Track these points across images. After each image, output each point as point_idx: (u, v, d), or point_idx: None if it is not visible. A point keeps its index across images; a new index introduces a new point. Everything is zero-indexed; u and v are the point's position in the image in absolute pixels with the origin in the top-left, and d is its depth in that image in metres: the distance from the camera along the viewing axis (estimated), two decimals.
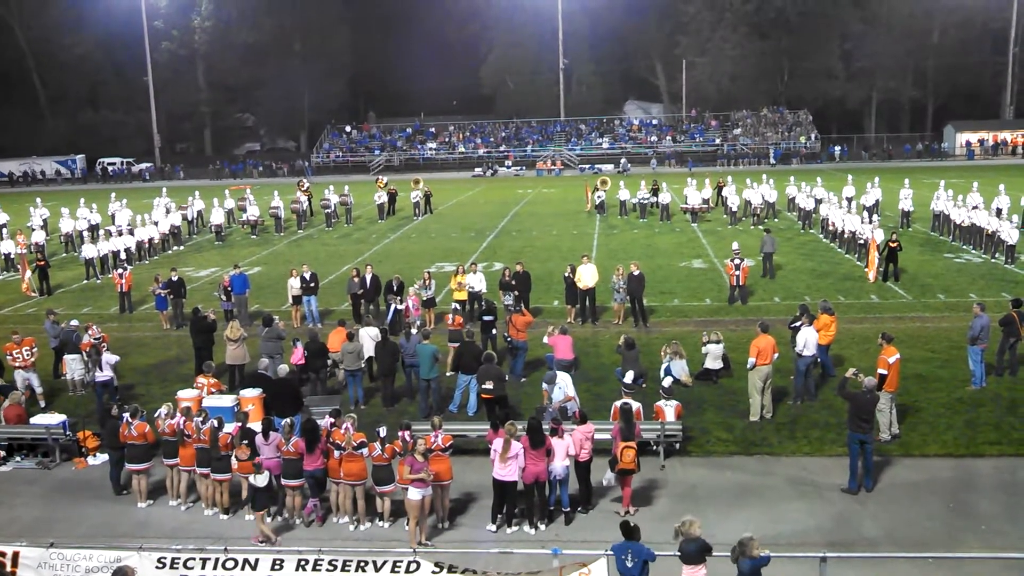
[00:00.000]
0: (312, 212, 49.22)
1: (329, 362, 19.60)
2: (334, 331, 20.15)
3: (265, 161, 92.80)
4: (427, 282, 24.85)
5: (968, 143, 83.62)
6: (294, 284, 25.86)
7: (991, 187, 39.54)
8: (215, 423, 14.47)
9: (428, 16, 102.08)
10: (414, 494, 13.11)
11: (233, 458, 14.24)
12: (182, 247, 40.91)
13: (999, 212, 34.54)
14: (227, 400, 16.77)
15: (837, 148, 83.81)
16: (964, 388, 18.67)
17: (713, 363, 19.80)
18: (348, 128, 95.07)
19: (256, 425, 14.79)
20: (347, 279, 26.11)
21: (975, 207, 35.83)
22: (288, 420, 14.71)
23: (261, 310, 26.13)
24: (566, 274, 25.32)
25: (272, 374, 17.09)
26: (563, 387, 16.65)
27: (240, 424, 14.57)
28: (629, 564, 10.70)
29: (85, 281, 33.62)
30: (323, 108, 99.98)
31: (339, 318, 23.36)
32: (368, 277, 25.22)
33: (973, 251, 33.41)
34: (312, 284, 25.73)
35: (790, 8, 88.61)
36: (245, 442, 14.18)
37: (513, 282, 24.28)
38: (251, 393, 16.82)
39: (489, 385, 16.94)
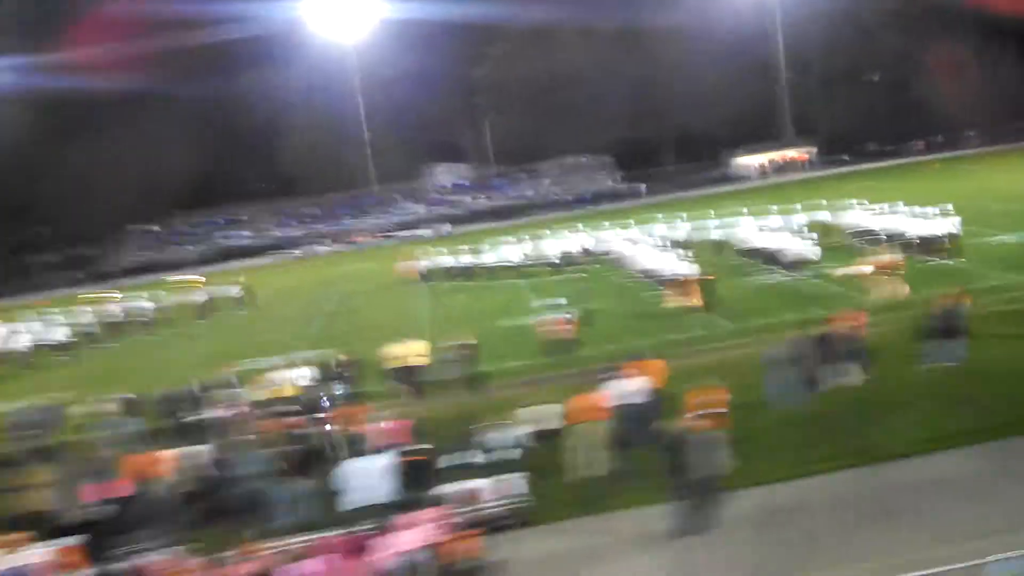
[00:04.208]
0: (127, 322, 46.84)
1: (154, 489, 18.42)
2: (156, 454, 19.05)
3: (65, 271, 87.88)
4: (253, 382, 24.01)
5: (760, 165, 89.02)
6: (110, 408, 24.32)
7: (786, 206, 41.93)
8: None
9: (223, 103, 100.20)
10: None
11: None
12: None
13: (797, 230, 36.60)
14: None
15: (643, 186, 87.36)
16: (787, 409, 19.37)
17: (550, 424, 19.79)
18: (154, 226, 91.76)
19: None
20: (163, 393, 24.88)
21: (775, 229, 37.91)
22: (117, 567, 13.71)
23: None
24: (396, 354, 25.01)
25: (90, 516, 15.93)
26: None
27: None
28: None
29: None
30: (124, 207, 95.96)
31: (161, 439, 22.19)
32: (190, 389, 24.12)
33: (779, 271, 35.08)
34: (134, 404, 24.34)
35: (576, 61, 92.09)
36: None
37: (342, 371, 23.77)
38: (70, 542, 15.50)
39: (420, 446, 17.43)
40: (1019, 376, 19.03)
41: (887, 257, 28.45)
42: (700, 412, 16.23)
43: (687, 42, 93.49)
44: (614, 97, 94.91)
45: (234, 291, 48.03)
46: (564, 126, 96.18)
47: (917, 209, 34.71)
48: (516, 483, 16.25)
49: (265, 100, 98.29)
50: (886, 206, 36.87)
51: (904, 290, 27.58)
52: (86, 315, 43.51)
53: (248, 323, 43.60)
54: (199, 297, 47.24)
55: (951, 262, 31.69)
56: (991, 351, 20.91)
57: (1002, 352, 20.85)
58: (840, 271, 28.85)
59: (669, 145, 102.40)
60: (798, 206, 38.85)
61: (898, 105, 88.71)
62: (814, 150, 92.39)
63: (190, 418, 23.93)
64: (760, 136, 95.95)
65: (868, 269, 28.41)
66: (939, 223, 32.95)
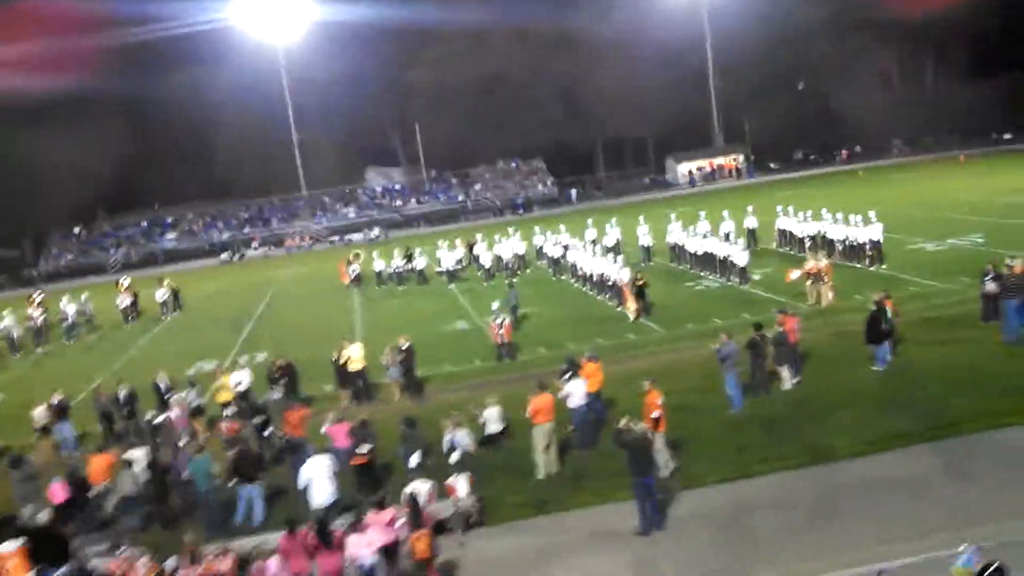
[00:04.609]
0: (49, 327, 45.53)
1: (93, 494, 18.19)
2: (95, 458, 18.78)
3: None
4: (191, 387, 23.73)
5: (689, 172, 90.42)
6: (39, 413, 23.84)
7: (715, 213, 42.70)
8: None
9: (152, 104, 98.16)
10: None
11: None
12: None
13: (727, 236, 37.30)
14: None
15: (574, 191, 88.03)
16: (725, 413, 19.86)
17: (494, 427, 20.01)
18: (77, 229, 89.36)
19: None
20: (94, 398, 24.52)
21: (705, 235, 38.60)
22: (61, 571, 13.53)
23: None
24: (333, 358, 24.98)
25: (32, 522, 15.65)
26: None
27: None
28: None
29: None
30: (45, 210, 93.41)
31: (97, 443, 21.80)
32: (122, 394, 23.74)
33: (711, 277, 35.77)
34: (64, 408, 23.89)
35: (510, 65, 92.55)
36: None
37: (280, 375, 23.63)
38: (9, 547, 15.25)
39: (364, 448, 17.43)
40: (945, 380, 19.73)
41: (817, 263, 29.15)
42: (655, 414, 16.61)
43: (620, 50, 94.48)
44: (547, 103, 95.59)
45: (160, 295, 47.02)
46: (497, 131, 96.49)
47: (843, 216, 35.65)
48: (463, 484, 16.40)
49: (195, 102, 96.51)
50: (812, 213, 37.80)
51: (831, 296, 28.36)
52: (7, 319, 42.25)
53: (176, 327, 42.87)
54: (124, 301, 46.19)
55: (875, 268, 32.68)
56: (916, 355, 21.68)
57: (927, 356, 21.61)
58: (792, 275, 29.42)
59: (601, 152, 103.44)
60: (725, 213, 39.63)
61: (825, 115, 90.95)
62: (743, 158, 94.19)
63: (125, 423, 23.65)
64: (691, 144, 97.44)
65: (798, 274, 29.14)
66: (864, 230, 33.88)
